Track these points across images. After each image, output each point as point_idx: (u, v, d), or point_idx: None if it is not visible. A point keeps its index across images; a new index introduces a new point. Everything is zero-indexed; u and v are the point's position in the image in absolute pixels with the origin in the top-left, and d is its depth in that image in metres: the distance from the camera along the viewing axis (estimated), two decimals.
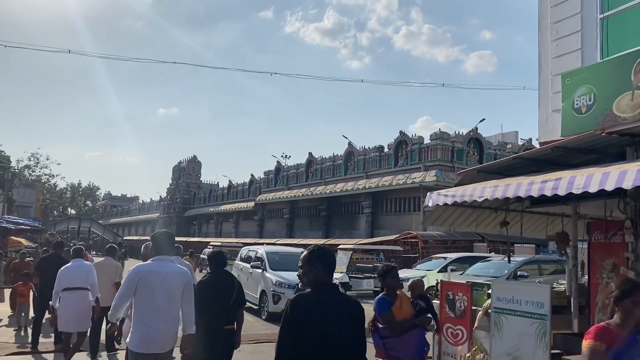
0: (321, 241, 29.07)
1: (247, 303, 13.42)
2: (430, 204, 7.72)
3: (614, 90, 6.67)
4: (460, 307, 7.11)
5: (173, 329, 4.14)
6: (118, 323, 4.56)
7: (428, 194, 7.92)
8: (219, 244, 28.83)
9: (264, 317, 12.26)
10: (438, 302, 7.78)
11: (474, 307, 7.00)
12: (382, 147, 29.44)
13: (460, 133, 26.03)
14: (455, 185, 8.42)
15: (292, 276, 12.23)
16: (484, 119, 30.33)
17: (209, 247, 33.17)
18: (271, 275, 12.35)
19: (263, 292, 12.42)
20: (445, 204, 8.15)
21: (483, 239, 23.62)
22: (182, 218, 60.50)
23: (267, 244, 23.14)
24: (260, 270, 12.87)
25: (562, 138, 7.54)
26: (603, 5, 7.05)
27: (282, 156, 41.55)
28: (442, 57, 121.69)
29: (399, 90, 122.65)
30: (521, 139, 30.64)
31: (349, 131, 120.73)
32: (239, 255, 15.50)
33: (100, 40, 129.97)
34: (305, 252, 2.88)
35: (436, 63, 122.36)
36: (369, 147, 30.57)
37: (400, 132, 27.59)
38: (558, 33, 7.59)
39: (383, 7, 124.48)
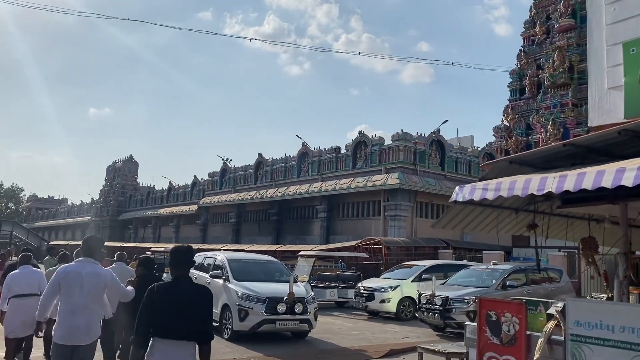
0: (272, 247, 27.15)
1: None
2: (460, 199, 6.14)
3: None
4: (509, 331, 5.54)
5: (93, 324, 4.55)
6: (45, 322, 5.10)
7: (457, 188, 6.31)
8: (162, 249, 26.28)
9: (226, 337, 10.30)
10: (474, 324, 6.20)
11: (528, 332, 5.47)
12: (339, 148, 27.96)
13: (423, 134, 24.97)
14: (482, 179, 6.91)
15: (262, 288, 10.39)
16: (446, 121, 29.84)
17: (147, 252, 30.54)
18: (236, 287, 10.42)
19: (226, 307, 10.46)
20: (471, 201, 6.65)
21: (448, 246, 22.57)
22: (117, 222, 56.60)
23: (233, 250, 20.98)
24: (221, 281, 10.90)
25: (625, 121, 6.20)
26: None
27: (223, 160, 39.23)
28: (381, 67, 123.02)
29: (338, 97, 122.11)
30: (486, 144, 30.15)
31: (289, 137, 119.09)
32: None
33: (29, 33, 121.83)
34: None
35: (374, 72, 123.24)
36: (324, 148, 29.02)
37: (360, 133, 26.25)
38: None
39: (323, 14, 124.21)
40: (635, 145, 6.34)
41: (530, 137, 33.95)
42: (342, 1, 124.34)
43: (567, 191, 6.09)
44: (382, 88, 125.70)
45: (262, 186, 33.01)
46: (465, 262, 18.16)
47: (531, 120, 33.93)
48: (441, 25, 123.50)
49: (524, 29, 36.99)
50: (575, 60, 32.44)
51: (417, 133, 24.84)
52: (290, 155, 31.47)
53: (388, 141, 24.95)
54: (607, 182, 4.79)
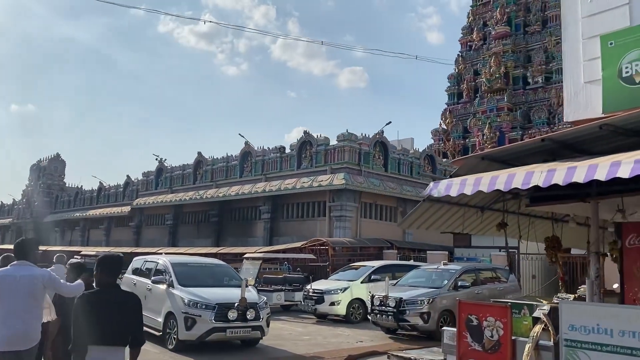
0: (213, 250, 26.13)
1: (147, 328, 10.52)
2: (436, 195, 5.81)
3: None
4: (492, 336, 5.21)
5: (31, 328, 4.44)
6: None
7: (431, 183, 6.00)
8: (93, 253, 24.64)
9: (171, 347, 9.49)
10: (454, 329, 5.84)
11: (514, 337, 5.16)
12: (283, 148, 27.36)
13: (367, 135, 24.87)
14: (453, 176, 6.61)
15: (210, 293, 9.67)
16: (390, 122, 29.64)
17: (76, 257, 28.66)
18: (182, 293, 9.62)
19: (170, 315, 9.64)
20: (440, 199, 6.38)
21: (392, 246, 22.52)
22: (41, 224, 53.04)
23: (173, 253, 19.89)
24: (164, 287, 10.06)
25: (603, 116, 6.05)
26: None
27: (157, 158, 37.56)
28: (318, 70, 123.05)
29: (276, 99, 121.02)
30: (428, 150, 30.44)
31: (229, 136, 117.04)
32: (130, 267, 12.41)
33: None
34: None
35: (312, 75, 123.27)
36: (268, 148, 28.33)
37: (305, 132, 25.78)
38: None
39: (261, 15, 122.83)
40: (610, 141, 6.23)
41: (467, 140, 34.86)
42: (279, 3, 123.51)
43: (536, 189, 5.87)
44: (319, 91, 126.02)
45: (201, 186, 31.83)
46: (412, 262, 18.10)
47: (468, 124, 34.85)
48: (376, 31, 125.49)
49: (461, 35, 37.96)
50: (511, 66, 33.64)
51: (362, 134, 24.74)
52: (232, 155, 30.53)
53: (333, 141, 24.66)
54: (601, 175, 4.56)
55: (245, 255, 18.68)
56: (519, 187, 5.09)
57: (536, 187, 5.32)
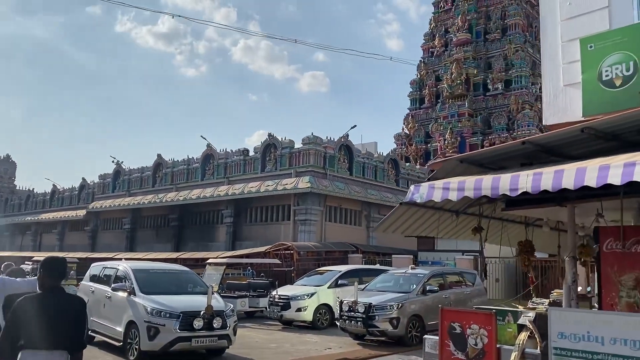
0: (173, 255, 25.40)
1: (106, 338, 9.97)
2: (418, 200, 5.64)
3: None
4: (477, 345, 5.05)
5: None
6: None
7: (412, 187, 5.81)
8: None
9: (132, 358, 8.98)
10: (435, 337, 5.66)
11: (498, 345, 5.01)
12: (247, 150, 26.89)
13: (332, 139, 24.73)
14: (431, 179, 6.47)
15: (174, 301, 9.24)
16: (355, 126, 29.66)
17: (27, 262, 27.33)
18: (144, 301, 9.14)
19: (131, 324, 9.13)
20: (414, 205, 6.23)
21: (357, 250, 22.41)
22: None
23: (133, 259, 19.16)
24: (125, 294, 9.54)
25: (583, 119, 6.02)
26: None
27: (113, 160, 36.41)
28: (279, 74, 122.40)
29: (236, 102, 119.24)
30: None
31: (189, 139, 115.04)
32: (88, 273, 11.78)
33: None
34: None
35: (273, 79, 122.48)
36: (231, 150, 27.79)
37: (269, 135, 25.40)
38: None
39: (222, 17, 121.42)
40: (589, 145, 6.21)
41: (429, 145, 35.25)
42: (240, 6, 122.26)
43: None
44: (280, 95, 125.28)
45: (161, 189, 30.95)
46: (379, 266, 18.01)
47: (430, 129, 35.26)
48: (337, 36, 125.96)
49: (423, 41, 38.42)
50: (471, 72, 34.23)
51: (327, 137, 24.57)
52: (193, 157, 29.82)
53: (298, 145, 24.40)
54: (591, 181, 4.48)
55: (208, 261, 18.15)
56: (507, 194, 4.96)
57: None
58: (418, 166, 31.18)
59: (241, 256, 20.94)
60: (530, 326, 4.82)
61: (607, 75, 5.58)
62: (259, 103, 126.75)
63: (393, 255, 20.99)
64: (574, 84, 5.91)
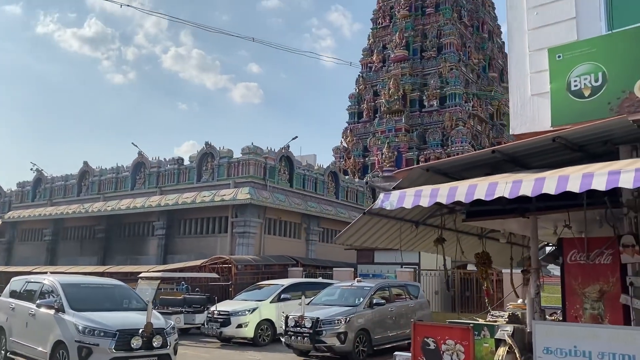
0: (99, 268, 23.84)
1: None
2: (388, 207, 5.38)
3: (634, 68, 5.29)
4: None
5: None
6: None
7: (382, 195, 5.53)
8: None
9: None
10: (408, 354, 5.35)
11: None
12: (181, 160, 25.83)
13: (273, 149, 24.26)
14: (396, 188, 6.22)
15: (109, 318, 8.43)
16: (296, 137, 29.37)
17: None
18: (74, 319, 8.26)
19: (59, 344, 8.21)
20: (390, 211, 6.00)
21: (297, 263, 21.97)
22: None
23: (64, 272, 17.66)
24: (52, 312, 8.60)
25: (552, 129, 5.97)
26: None
27: (33, 168, 33.97)
28: (211, 83, 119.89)
29: (165, 111, 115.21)
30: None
31: (117, 147, 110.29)
32: (7, 289, 10.61)
33: None
34: None
35: (204, 88, 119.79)
36: (165, 159, 26.59)
37: (206, 144, 24.52)
38: None
39: (152, 24, 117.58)
40: (555, 155, 6.19)
41: (367, 159, 35.57)
42: (172, 13, 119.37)
43: (473, 204, 5.64)
44: (211, 105, 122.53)
45: (87, 199, 29.13)
46: (322, 280, 17.66)
47: (368, 143, 35.61)
48: (271, 48, 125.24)
49: (362, 56, 38.94)
50: (408, 89, 34.98)
51: (267, 148, 24.06)
52: (123, 165, 28.31)
53: (237, 154, 23.72)
54: (574, 187, 4.36)
55: (140, 275, 17.07)
56: (482, 199, 4.76)
57: (474, 202, 5.09)
58: (357, 179, 31.30)
59: (175, 270, 19.93)
60: (509, 340, 4.62)
61: (575, 86, 5.56)
62: (189, 112, 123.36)
63: (334, 269, 20.71)
64: (542, 93, 5.86)
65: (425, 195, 5.16)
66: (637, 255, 5.56)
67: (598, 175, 4.24)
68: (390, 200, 5.40)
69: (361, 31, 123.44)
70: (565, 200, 5.51)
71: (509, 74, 6.20)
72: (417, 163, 32.90)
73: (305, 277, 20.13)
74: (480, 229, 8.24)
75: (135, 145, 27.72)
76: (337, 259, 24.77)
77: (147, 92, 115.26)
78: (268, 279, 19.36)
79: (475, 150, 32.89)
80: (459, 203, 5.42)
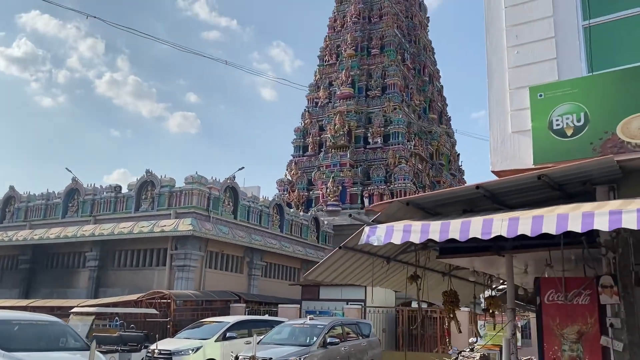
0: (22, 302, 21.92)
1: None
2: (375, 243, 5.12)
3: (616, 110, 5.38)
4: None
5: None
6: None
7: (367, 229, 5.27)
8: None
9: None
10: None
11: None
12: (119, 187, 24.54)
13: (218, 180, 23.57)
14: (375, 222, 5.98)
15: None
16: (242, 168, 28.75)
17: None
18: None
19: None
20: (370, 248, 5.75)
21: (240, 299, 21.15)
22: None
23: None
24: None
25: (534, 167, 5.94)
26: (584, 12, 5.89)
27: None
28: (146, 111, 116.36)
29: (96, 137, 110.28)
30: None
31: (40, 174, 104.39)
32: None
33: None
34: None
35: (139, 116, 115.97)
36: (101, 186, 25.18)
37: (147, 172, 23.45)
38: (519, 38, 6.13)
39: (87, 47, 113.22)
40: (534, 194, 6.17)
41: (311, 192, 35.42)
42: (109, 38, 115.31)
43: (450, 240, 5.49)
44: (146, 133, 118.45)
45: (11, 226, 27.00)
46: (268, 317, 16.98)
47: (313, 177, 35.55)
48: (210, 79, 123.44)
49: (308, 91, 39.27)
50: (353, 125, 35.46)
51: (212, 177, 23.36)
52: (54, 192, 26.56)
53: (180, 183, 22.85)
54: (576, 226, 4.28)
55: (73, 310, 15.75)
56: (478, 237, 4.59)
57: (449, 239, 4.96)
58: (302, 212, 30.97)
59: (109, 304, 18.59)
60: None
61: (558, 125, 5.59)
62: (121, 140, 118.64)
63: (280, 305, 20.09)
64: (522, 131, 5.86)
65: (416, 231, 4.94)
66: (616, 296, 5.55)
67: (574, 218, 4.26)
68: (377, 235, 5.13)
69: (302, 68, 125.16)
70: (541, 239, 5.46)
71: (489, 111, 6.17)
72: (361, 198, 33.12)
73: (248, 314, 19.37)
74: (448, 266, 8.13)
75: (69, 171, 26.19)
76: (281, 295, 24.14)
77: (77, 117, 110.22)
78: (209, 315, 18.47)
79: (416, 188, 33.55)
80: (432, 239, 5.24)
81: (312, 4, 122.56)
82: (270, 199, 27.52)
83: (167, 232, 21.11)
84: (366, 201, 32.85)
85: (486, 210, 6.25)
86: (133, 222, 22.50)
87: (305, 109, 38.47)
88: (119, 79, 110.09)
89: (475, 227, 4.66)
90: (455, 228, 4.74)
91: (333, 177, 33.54)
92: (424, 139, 38.04)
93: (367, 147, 34.91)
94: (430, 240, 5.21)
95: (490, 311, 9.40)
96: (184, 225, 20.91)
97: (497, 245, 6.46)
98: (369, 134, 34.99)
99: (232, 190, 24.27)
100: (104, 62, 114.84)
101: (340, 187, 33.38)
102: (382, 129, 34.63)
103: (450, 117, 45.12)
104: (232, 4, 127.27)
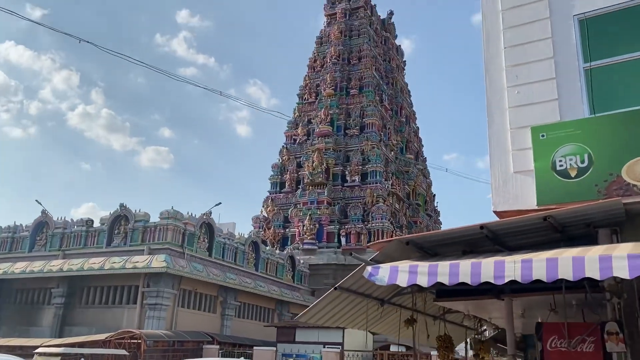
0: None
1: None
2: (379, 283, 4.90)
3: (620, 151, 5.32)
4: None
5: None
6: None
7: (369, 268, 5.02)
8: None
9: None
10: None
11: None
12: (91, 221, 23.73)
13: (194, 215, 23.01)
14: (374, 261, 5.74)
15: None
16: (220, 203, 28.28)
17: None
18: None
19: None
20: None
21: (213, 340, 20.35)
22: None
23: None
24: None
25: (538, 208, 5.80)
26: (585, 54, 5.89)
27: None
28: (119, 145, 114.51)
29: (67, 170, 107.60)
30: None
31: (7, 207, 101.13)
32: None
33: None
34: None
35: (111, 149, 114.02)
36: (72, 220, 24.31)
37: (121, 205, 22.78)
38: (519, 78, 6.10)
39: (62, 79, 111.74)
40: (535, 235, 6.02)
41: (287, 230, 34.98)
42: (84, 70, 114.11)
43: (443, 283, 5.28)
44: (117, 167, 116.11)
45: None
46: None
47: (289, 214, 35.18)
48: (185, 115, 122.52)
49: (287, 128, 39.34)
50: (331, 163, 35.47)
51: (188, 213, 22.81)
52: (22, 225, 25.53)
53: (154, 218, 22.22)
54: (594, 273, 4.10)
55: (37, 350, 14.82)
56: (490, 281, 4.37)
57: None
58: (277, 251, 30.42)
59: (75, 344, 17.62)
60: None
61: (561, 166, 5.49)
62: (92, 173, 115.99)
63: (255, 348, 19.38)
64: (525, 171, 5.75)
65: (423, 272, 4.69)
66: (622, 344, 5.36)
67: (590, 262, 4.11)
68: (380, 275, 4.87)
69: (277, 106, 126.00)
70: (541, 282, 5.28)
71: (489, 151, 6.07)
72: (338, 237, 32.82)
73: (222, 356, 18.62)
74: (442, 309, 7.87)
75: (39, 203, 25.25)
76: (255, 336, 23.40)
77: (48, 148, 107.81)
78: (181, 357, 17.70)
79: (394, 227, 33.47)
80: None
81: (289, 44, 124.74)
82: (245, 236, 26.96)
83: (139, 268, 20.34)
84: (343, 240, 32.54)
85: (486, 252, 6.06)
86: (104, 257, 21.66)
87: (283, 146, 38.42)
88: (92, 112, 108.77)
89: (487, 270, 4.45)
90: (466, 271, 4.51)
91: (310, 215, 33.24)
92: (401, 179, 38.25)
93: (345, 185, 34.85)
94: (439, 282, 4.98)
95: (481, 357, 9.13)
96: (158, 262, 20.21)
97: (497, 288, 6.27)
98: (347, 172, 34.99)
99: (208, 226, 23.70)
100: (77, 95, 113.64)
101: (317, 225, 33.06)
102: (360, 167, 34.70)
103: (426, 157, 45.67)
104: (211, 42, 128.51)
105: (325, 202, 33.78)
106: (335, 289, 6.03)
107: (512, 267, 4.34)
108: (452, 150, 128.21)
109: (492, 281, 4.41)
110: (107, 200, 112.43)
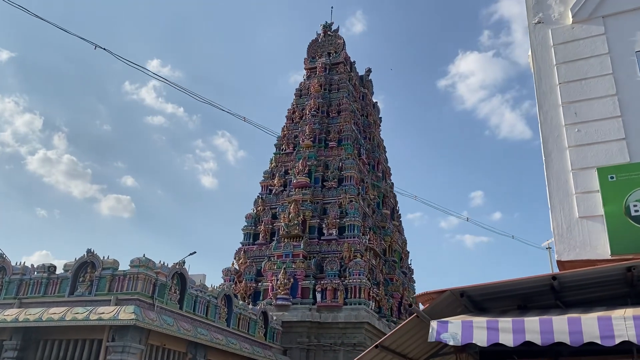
0: None
1: None
2: (451, 343, 4.06)
3: None
4: None
5: None
6: None
7: (435, 325, 4.24)
8: None
9: None
10: None
11: None
12: (53, 267, 21.91)
13: (166, 264, 21.58)
14: (427, 314, 4.94)
15: None
16: (194, 252, 26.84)
17: None
18: None
19: None
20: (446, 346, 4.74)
21: None
22: None
23: None
24: None
25: (610, 258, 5.14)
26: None
27: None
28: (78, 192, 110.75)
29: (21, 216, 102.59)
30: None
31: None
32: None
33: None
34: None
35: (70, 196, 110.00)
36: (32, 265, 22.44)
37: (88, 251, 21.22)
38: (579, 116, 5.59)
39: (24, 123, 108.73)
40: (603, 288, 5.34)
41: (259, 284, 33.52)
42: (48, 115, 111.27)
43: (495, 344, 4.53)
44: (75, 215, 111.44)
45: None
46: None
47: (263, 267, 33.82)
48: (149, 164, 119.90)
49: (263, 178, 38.58)
50: (308, 215, 34.63)
51: (160, 262, 21.37)
52: None
53: (124, 266, 20.70)
54: None
55: None
56: (598, 342, 3.62)
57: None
58: (250, 305, 28.88)
59: None
60: None
61: (636, 211, 4.90)
62: (48, 220, 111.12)
63: None
64: (592, 216, 5.13)
65: (506, 329, 3.91)
66: None
67: None
68: (450, 332, 4.06)
69: (245, 159, 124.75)
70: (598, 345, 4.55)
71: (549, 194, 5.45)
72: (314, 292, 31.54)
73: None
74: None
75: None
76: None
77: (2, 193, 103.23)
78: None
79: (371, 284, 32.46)
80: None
81: (260, 98, 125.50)
82: (218, 289, 25.48)
83: (105, 320, 18.65)
84: (318, 296, 31.28)
85: (546, 307, 5.35)
86: (66, 307, 19.87)
87: (258, 196, 37.51)
88: (52, 157, 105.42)
89: (589, 326, 3.70)
90: (562, 329, 3.75)
91: (284, 269, 32.00)
92: (378, 234, 37.61)
93: (322, 238, 33.93)
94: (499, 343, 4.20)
95: None
96: (126, 314, 18.60)
97: (554, 350, 5.52)
98: (324, 225, 34.16)
99: (180, 276, 22.25)
100: (39, 139, 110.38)
101: (291, 280, 31.79)
102: (338, 220, 33.97)
103: (400, 214, 45.37)
104: (180, 93, 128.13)
105: (300, 255, 32.68)
106: (376, 347, 5.16)
107: (622, 323, 3.61)
108: (415, 209, 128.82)
109: (598, 342, 3.67)
110: (62, 248, 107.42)
